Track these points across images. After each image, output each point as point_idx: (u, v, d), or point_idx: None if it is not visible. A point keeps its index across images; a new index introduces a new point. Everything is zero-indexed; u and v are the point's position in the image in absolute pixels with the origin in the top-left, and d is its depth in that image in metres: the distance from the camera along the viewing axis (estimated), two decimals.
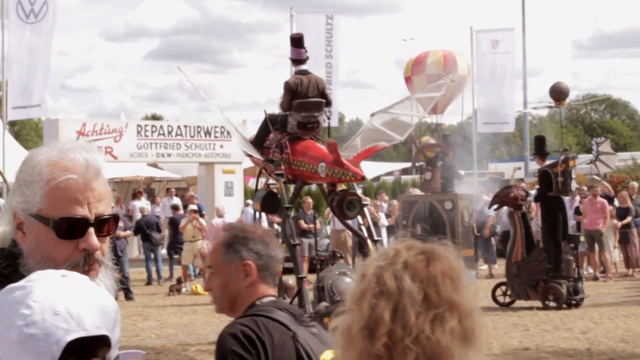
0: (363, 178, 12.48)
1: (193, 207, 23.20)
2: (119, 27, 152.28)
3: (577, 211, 23.18)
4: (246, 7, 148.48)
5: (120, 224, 22.09)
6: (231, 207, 26.16)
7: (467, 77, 23.01)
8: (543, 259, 17.00)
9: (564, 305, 16.92)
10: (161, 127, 28.67)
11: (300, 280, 12.67)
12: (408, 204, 20.93)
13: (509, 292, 17.59)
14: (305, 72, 13.98)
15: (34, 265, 2.29)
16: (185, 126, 28.83)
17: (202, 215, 23.96)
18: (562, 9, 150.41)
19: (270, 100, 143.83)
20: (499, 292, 17.76)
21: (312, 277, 15.12)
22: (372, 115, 13.83)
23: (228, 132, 26.88)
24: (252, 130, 17.59)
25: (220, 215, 20.74)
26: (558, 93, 18.51)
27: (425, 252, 2.14)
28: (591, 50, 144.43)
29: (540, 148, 18.09)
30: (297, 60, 14.13)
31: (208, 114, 15.65)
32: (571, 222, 21.30)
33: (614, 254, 23.22)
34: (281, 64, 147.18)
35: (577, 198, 26.32)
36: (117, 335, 1.93)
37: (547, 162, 17.92)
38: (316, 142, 13.49)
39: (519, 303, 17.47)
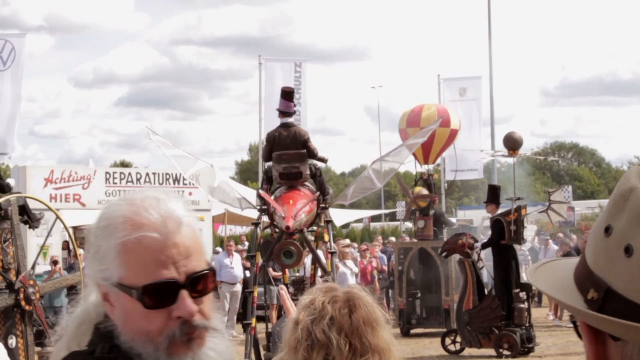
0: (287, 228, 12.77)
1: None
2: (88, 73, 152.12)
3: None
4: (215, 54, 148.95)
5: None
6: None
7: (459, 130, 23.40)
8: (496, 307, 17.04)
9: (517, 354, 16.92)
10: (129, 174, 28.64)
11: (245, 326, 12.85)
12: (403, 250, 21.43)
13: (458, 340, 17.63)
14: (288, 125, 14.42)
15: (129, 341, 1.99)
16: (154, 173, 28.78)
17: None
18: (529, 57, 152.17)
19: (239, 147, 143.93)
20: (448, 340, 17.81)
21: None
22: (372, 163, 14.66)
23: (197, 179, 26.81)
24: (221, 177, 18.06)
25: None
26: (512, 142, 18.90)
27: (348, 303, 2.57)
28: (558, 98, 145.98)
29: (493, 196, 18.34)
30: (284, 113, 14.57)
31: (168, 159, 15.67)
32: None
33: None
34: (251, 110, 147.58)
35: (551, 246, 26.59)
36: None
37: (500, 211, 18.10)
38: (299, 192, 13.79)
39: (470, 351, 17.49)
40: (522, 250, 20.48)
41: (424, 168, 22.18)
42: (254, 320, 13.27)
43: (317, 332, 2.49)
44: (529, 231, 32.16)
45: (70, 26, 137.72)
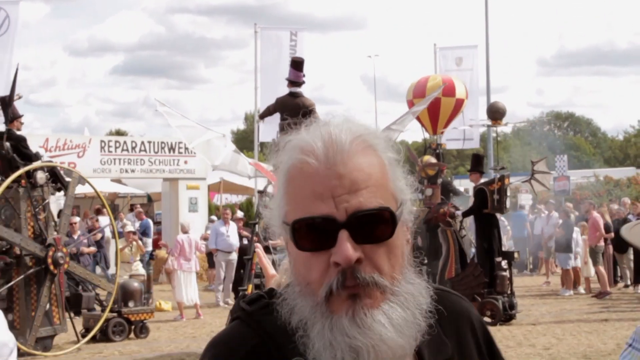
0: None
1: (129, 228, 22.50)
2: (84, 41, 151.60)
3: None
4: (211, 23, 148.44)
5: (84, 239, 21.94)
6: (195, 223, 26.06)
7: (465, 99, 23.60)
8: (479, 274, 17.23)
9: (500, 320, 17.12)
10: (125, 142, 28.58)
11: (240, 292, 13.32)
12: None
13: None
14: (295, 94, 14.72)
15: (296, 295, 1.72)
16: (149, 142, 28.73)
17: (145, 235, 23.58)
18: (526, 26, 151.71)
19: (235, 116, 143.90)
20: None
21: None
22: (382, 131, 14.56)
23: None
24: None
25: (185, 231, 20.67)
26: (494, 112, 19.10)
27: None
28: (555, 68, 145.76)
29: (476, 165, 18.51)
30: (293, 82, 14.81)
31: (173, 129, 15.95)
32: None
33: (591, 270, 23.27)
34: (247, 79, 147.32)
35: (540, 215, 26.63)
36: None
37: (483, 180, 18.28)
38: None
39: None
40: (502, 220, 20.66)
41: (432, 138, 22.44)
42: (250, 287, 13.42)
43: None
44: (525, 200, 32.26)
45: None
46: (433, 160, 20.60)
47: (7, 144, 14.76)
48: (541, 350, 14.07)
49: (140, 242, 22.16)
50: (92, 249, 23.02)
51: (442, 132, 23.06)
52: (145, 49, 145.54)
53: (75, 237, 21.21)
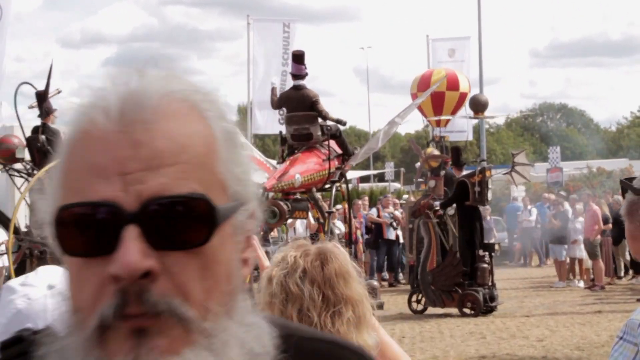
0: (264, 188, 13.51)
1: None
2: (76, 33, 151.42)
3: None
4: (204, 14, 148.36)
5: None
6: None
7: (468, 93, 24.13)
8: (457, 263, 17.35)
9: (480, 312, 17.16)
10: None
11: None
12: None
13: (423, 300, 17.92)
14: (298, 87, 14.93)
15: (67, 329, 1.12)
16: None
17: None
18: (519, 18, 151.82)
19: (229, 107, 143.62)
20: (414, 298, 18.11)
21: None
22: (386, 124, 15.70)
23: None
24: None
25: None
26: (476, 105, 19.33)
27: (319, 256, 2.60)
28: (548, 59, 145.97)
29: (457, 158, 18.64)
30: (295, 75, 15.05)
31: None
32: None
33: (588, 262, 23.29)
34: (240, 71, 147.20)
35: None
36: None
37: (465, 172, 18.45)
38: (310, 153, 14.53)
39: (433, 310, 17.68)
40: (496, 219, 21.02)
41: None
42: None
43: (291, 285, 2.55)
44: (519, 192, 32.28)
45: None
46: (436, 152, 20.80)
47: (43, 137, 15.30)
48: (534, 342, 14.07)
49: None
50: None
51: (445, 125, 23.44)
52: (138, 41, 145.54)
53: None
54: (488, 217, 26.13)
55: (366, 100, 70.08)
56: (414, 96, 23.31)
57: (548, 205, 27.39)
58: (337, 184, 15.24)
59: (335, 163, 14.65)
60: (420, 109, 22.97)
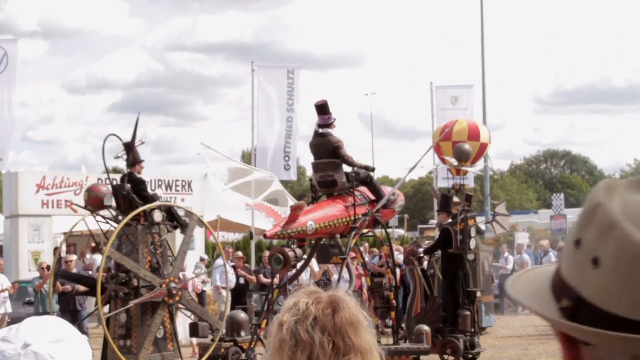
0: (264, 235, 14.19)
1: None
2: (82, 79, 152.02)
3: None
4: (209, 60, 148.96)
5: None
6: (192, 260, 25.98)
7: (489, 143, 24.84)
8: (437, 308, 17.42)
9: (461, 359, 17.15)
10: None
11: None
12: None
13: None
14: (323, 135, 15.04)
15: None
16: (146, 180, 28.70)
17: None
18: (523, 64, 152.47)
19: (233, 153, 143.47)
20: None
21: None
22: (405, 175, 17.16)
23: (189, 185, 27.21)
24: (214, 184, 21.01)
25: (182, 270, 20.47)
26: (460, 154, 19.64)
27: (331, 304, 2.60)
28: (552, 106, 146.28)
29: (445, 206, 18.84)
30: (321, 125, 15.16)
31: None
32: None
33: None
34: (245, 117, 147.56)
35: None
36: None
37: (450, 220, 18.47)
38: (331, 201, 14.79)
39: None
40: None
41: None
42: (264, 322, 14.15)
43: (301, 331, 2.56)
44: (522, 239, 32.29)
45: (64, 31, 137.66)
46: (456, 199, 21.13)
47: (128, 186, 16.50)
48: None
49: None
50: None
51: (465, 174, 23.88)
52: (143, 87, 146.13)
53: None
54: (492, 263, 26.12)
55: (370, 145, 70.32)
56: (437, 147, 23.86)
57: (540, 252, 27.44)
58: (366, 230, 15.38)
59: (364, 209, 14.72)
60: (442, 158, 23.43)
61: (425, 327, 15.80)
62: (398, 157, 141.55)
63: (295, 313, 2.60)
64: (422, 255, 18.02)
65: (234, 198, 28.44)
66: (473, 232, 17.66)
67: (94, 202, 16.78)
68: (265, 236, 14.02)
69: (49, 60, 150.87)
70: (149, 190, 17.20)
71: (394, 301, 15.62)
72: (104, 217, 17.05)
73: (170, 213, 17.07)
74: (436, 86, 32.76)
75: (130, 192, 16.43)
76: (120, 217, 16.43)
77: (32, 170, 27.20)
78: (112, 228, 16.97)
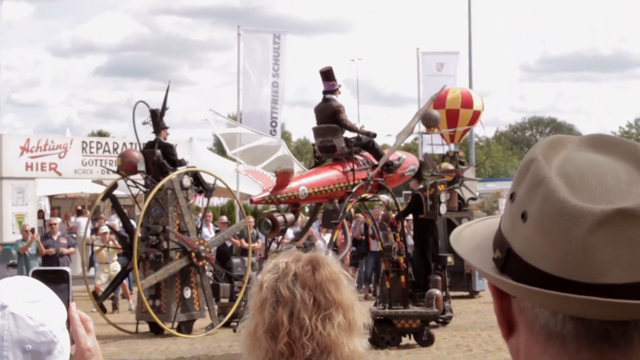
0: (250, 200, 14.48)
1: (104, 229, 22.35)
2: (67, 42, 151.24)
3: None
4: (195, 24, 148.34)
5: (64, 240, 21.82)
6: None
7: (482, 111, 25.16)
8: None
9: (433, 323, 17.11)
10: (106, 143, 28.46)
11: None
12: None
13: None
14: (326, 100, 15.06)
15: None
16: (131, 143, 28.60)
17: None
18: (510, 32, 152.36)
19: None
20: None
21: None
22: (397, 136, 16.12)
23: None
24: (198, 148, 21.30)
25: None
26: (427, 120, 19.82)
27: (311, 262, 2.63)
28: (538, 74, 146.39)
29: (417, 172, 18.77)
30: (327, 92, 15.15)
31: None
32: None
33: None
34: (231, 82, 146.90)
35: None
36: None
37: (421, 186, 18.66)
38: (330, 167, 14.75)
39: None
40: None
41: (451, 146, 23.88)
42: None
43: (282, 288, 2.57)
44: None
45: None
46: (450, 167, 21.16)
47: (158, 151, 17.21)
48: None
49: (116, 242, 21.84)
50: (72, 249, 22.84)
51: (459, 140, 24.03)
52: (129, 50, 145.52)
53: (55, 237, 21.17)
54: None
55: (356, 112, 70.29)
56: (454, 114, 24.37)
57: None
58: (369, 195, 15.28)
59: (365, 174, 14.68)
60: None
61: (437, 292, 15.93)
62: (384, 124, 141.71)
63: (276, 272, 2.62)
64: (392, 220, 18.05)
65: (219, 162, 28.45)
66: (443, 198, 17.67)
67: (127, 167, 17.52)
68: (251, 201, 13.99)
69: (34, 22, 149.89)
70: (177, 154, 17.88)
71: (404, 265, 15.64)
72: (134, 181, 17.86)
73: (196, 178, 17.79)
74: (422, 52, 32.71)
75: (161, 158, 17.17)
76: (150, 182, 17.25)
77: (17, 133, 27.07)
78: (140, 192, 18.27)
